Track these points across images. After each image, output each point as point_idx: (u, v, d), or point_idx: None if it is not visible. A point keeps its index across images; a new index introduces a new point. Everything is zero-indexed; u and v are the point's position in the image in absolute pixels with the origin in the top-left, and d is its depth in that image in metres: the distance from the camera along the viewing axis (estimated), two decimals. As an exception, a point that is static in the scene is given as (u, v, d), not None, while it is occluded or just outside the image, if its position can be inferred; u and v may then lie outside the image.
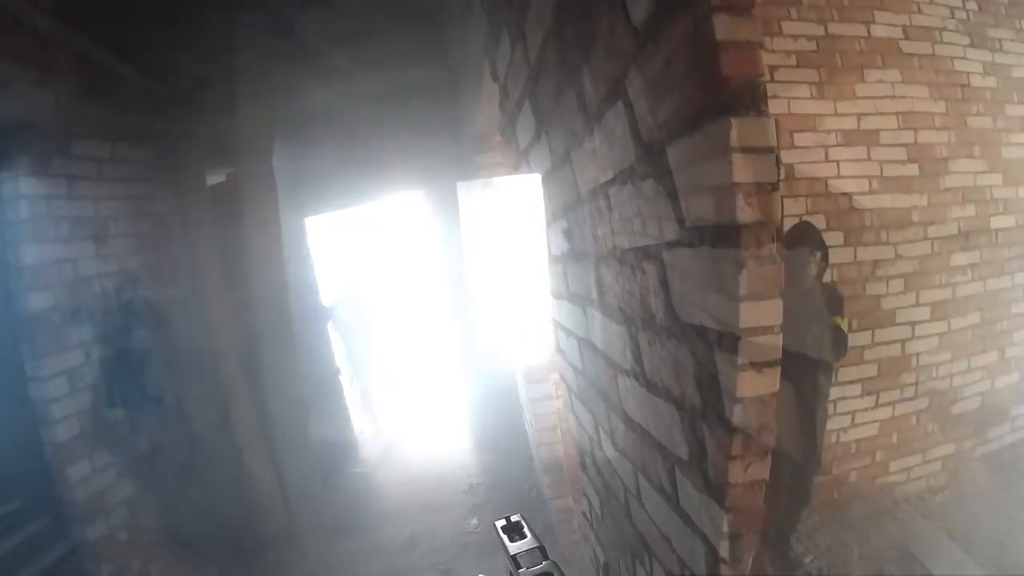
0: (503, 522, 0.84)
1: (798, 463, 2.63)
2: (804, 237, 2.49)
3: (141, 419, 2.73)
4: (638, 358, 2.44)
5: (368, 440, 5.63)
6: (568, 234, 2.25)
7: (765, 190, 1.76)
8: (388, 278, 9.34)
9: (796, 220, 2.67)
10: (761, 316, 1.76)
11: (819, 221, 2.85)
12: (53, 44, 2.48)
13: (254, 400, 3.38)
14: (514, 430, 4.46)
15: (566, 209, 2.27)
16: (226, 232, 3.05)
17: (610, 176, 2.34)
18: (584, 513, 2.53)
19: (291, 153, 4.14)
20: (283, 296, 3.43)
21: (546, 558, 0.77)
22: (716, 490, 1.93)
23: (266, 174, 3.32)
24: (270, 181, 3.32)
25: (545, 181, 2.21)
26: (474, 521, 4.14)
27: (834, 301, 2.57)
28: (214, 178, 3.28)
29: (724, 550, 2.03)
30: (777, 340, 1.81)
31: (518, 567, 0.75)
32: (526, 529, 0.82)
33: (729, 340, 1.78)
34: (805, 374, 2.53)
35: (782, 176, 2.41)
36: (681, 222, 2.15)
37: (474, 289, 3.36)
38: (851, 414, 3.17)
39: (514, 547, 0.79)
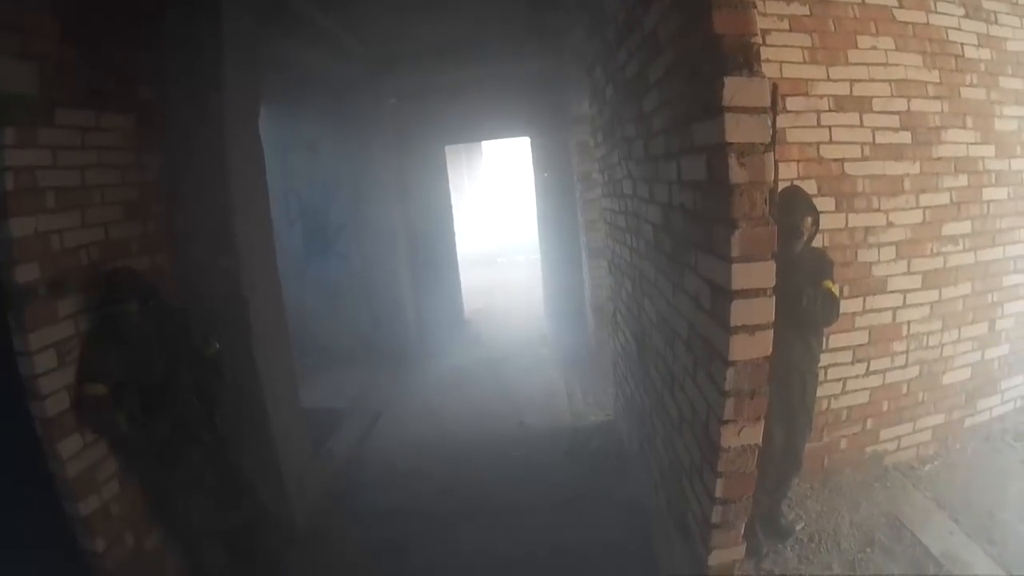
0: None
1: (790, 428, 2.65)
2: (794, 201, 2.48)
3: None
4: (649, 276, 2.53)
5: (478, 309, 8.85)
6: (611, 178, 3.34)
7: (758, 150, 1.77)
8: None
9: (787, 184, 2.67)
10: (753, 278, 1.77)
11: (811, 186, 2.84)
12: (36, 12, 2.43)
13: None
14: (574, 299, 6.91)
15: (610, 164, 3.34)
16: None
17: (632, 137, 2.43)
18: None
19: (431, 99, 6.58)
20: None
21: None
22: (708, 452, 1.93)
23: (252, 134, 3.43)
24: (256, 150, 3.39)
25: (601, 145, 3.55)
26: (544, 349, 6.92)
27: (824, 266, 2.57)
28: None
29: (716, 515, 2.05)
30: (770, 303, 1.83)
31: None
32: None
33: (721, 301, 1.79)
34: (796, 338, 2.53)
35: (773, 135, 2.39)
36: (677, 183, 2.15)
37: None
38: (841, 381, 3.20)
39: None
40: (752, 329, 1.78)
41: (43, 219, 2.45)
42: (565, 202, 6.70)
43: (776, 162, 2.43)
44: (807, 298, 2.45)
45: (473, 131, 7.45)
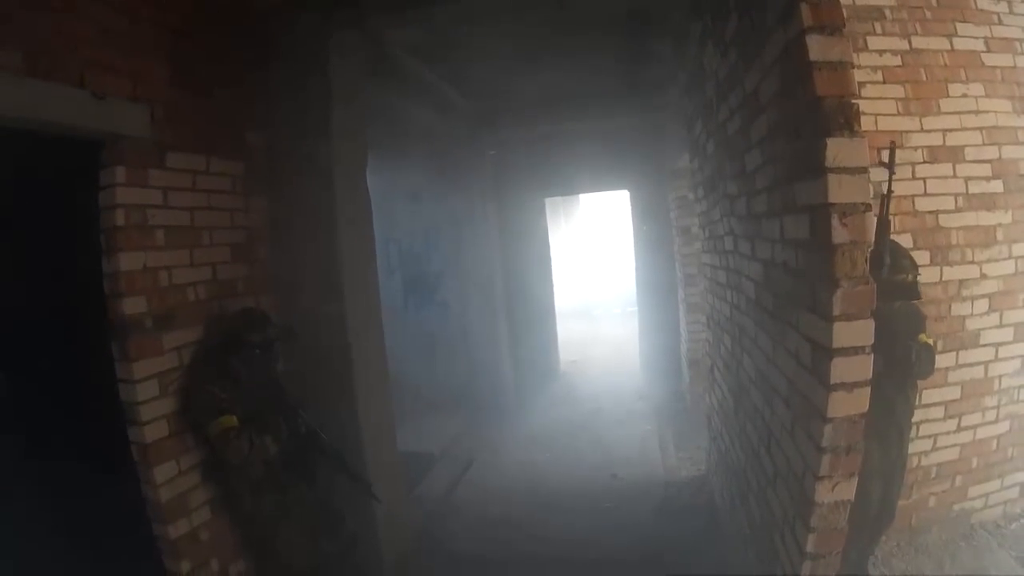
0: None
1: (888, 483, 2.58)
2: (897, 257, 2.45)
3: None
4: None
5: (573, 361, 9.03)
6: (712, 233, 3.33)
7: (859, 210, 1.77)
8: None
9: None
10: (853, 336, 1.76)
11: (906, 240, 2.80)
12: (147, 57, 2.60)
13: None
14: (670, 353, 6.80)
15: (711, 220, 3.34)
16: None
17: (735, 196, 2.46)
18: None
19: (532, 151, 6.81)
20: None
21: None
22: (802, 507, 1.92)
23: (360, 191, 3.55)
24: (364, 199, 3.55)
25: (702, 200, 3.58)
26: (640, 403, 6.86)
27: (918, 319, 2.53)
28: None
29: (805, 570, 2.01)
30: (868, 360, 1.81)
31: None
32: None
33: (821, 359, 1.78)
34: (897, 393, 2.48)
35: (889, 192, 2.38)
36: (779, 241, 2.15)
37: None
38: (932, 437, 3.09)
39: None
40: (851, 386, 1.77)
41: (152, 255, 2.59)
42: (663, 255, 6.70)
43: (890, 218, 2.41)
44: (910, 351, 2.41)
45: (572, 183, 7.50)
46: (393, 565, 3.53)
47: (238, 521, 2.83)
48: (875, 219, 2.37)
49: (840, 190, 1.73)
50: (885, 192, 2.36)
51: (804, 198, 1.87)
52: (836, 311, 1.73)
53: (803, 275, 1.93)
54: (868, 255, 2.26)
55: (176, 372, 2.64)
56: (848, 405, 1.79)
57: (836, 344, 1.74)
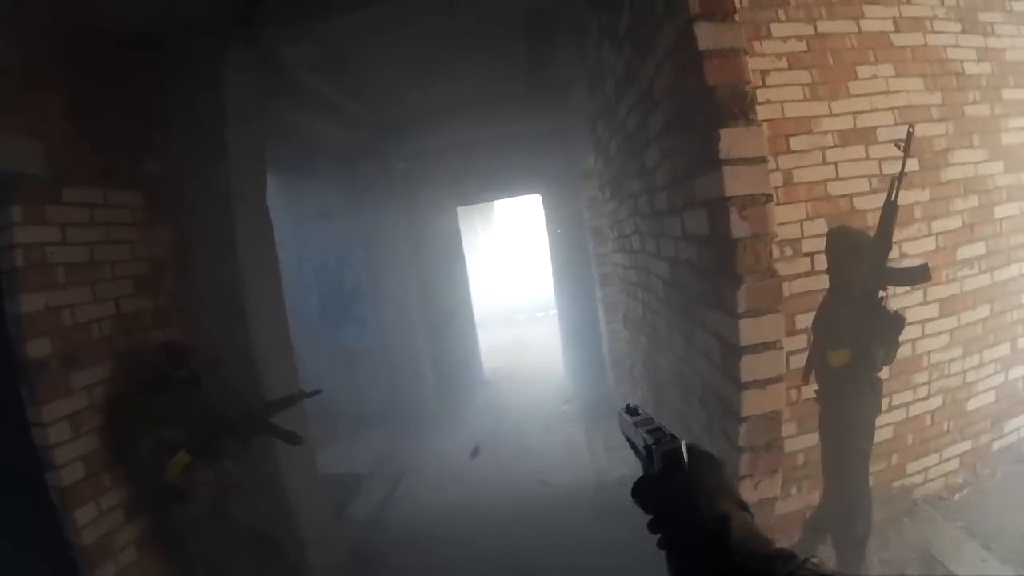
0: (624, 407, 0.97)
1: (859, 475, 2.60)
2: (848, 240, 2.46)
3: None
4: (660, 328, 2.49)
5: (497, 368, 8.89)
6: (620, 233, 3.31)
7: (759, 201, 1.75)
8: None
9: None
10: (762, 332, 1.74)
11: (820, 225, 2.81)
12: (38, 91, 2.48)
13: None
14: (593, 355, 6.67)
15: (618, 219, 3.35)
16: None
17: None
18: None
19: (441, 161, 6.64)
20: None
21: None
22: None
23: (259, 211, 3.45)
24: (265, 221, 3.43)
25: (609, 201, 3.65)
26: (566, 406, 6.86)
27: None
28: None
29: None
30: (780, 356, 1.79)
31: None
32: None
33: (731, 357, 1.76)
34: (866, 385, 2.50)
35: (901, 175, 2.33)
36: (682, 238, 2.13)
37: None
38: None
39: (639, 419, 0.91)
40: (764, 383, 1.76)
41: (54, 295, 2.49)
42: (579, 257, 6.72)
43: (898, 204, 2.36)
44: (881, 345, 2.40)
45: (484, 191, 7.48)
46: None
47: (176, 558, 2.75)
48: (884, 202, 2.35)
49: (737, 182, 1.71)
50: (897, 175, 2.32)
51: (702, 192, 1.85)
52: (741, 307, 1.71)
53: (707, 272, 1.91)
54: (872, 240, 2.24)
55: (87, 412, 2.56)
56: (763, 402, 1.78)
57: (744, 342, 1.72)
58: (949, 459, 3.34)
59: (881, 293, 2.38)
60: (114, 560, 2.60)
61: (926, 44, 3.14)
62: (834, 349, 2.45)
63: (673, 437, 0.81)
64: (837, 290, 2.50)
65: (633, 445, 0.90)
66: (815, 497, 2.88)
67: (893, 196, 2.32)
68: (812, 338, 2.65)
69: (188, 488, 2.50)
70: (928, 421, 3.24)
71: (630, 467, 4.56)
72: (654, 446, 0.80)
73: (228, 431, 2.70)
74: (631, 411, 0.93)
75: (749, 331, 1.72)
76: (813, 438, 2.76)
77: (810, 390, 2.69)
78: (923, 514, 3.19)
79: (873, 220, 2.94)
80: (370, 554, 3.99)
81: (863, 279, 2.37)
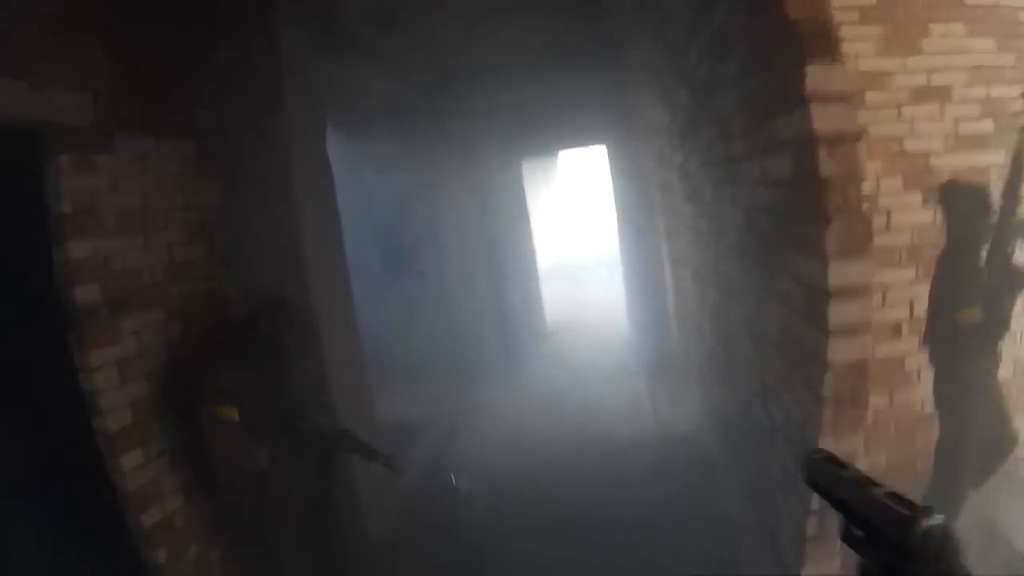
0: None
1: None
2: (969, 194, 2.37)
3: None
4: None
5: (560, 321, 8.87)
6: (691, 185, 3.22)
7: (848, 140, 1.66)
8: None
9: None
10: (852, 275, 1.66)
11: (897, 182, 2.71)
12: (84, 43, 2.45)
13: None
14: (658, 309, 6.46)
15: (688, 171, 3.20)
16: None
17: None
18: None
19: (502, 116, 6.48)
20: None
21: None
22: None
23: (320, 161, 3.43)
24: (325, 173, 3.45)
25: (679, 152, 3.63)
26: (630, 360, 6.77)
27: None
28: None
29: (811, 527, 1.93)
30: (868, 303, 1.70)
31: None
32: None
33: (818, 303, 1.68)
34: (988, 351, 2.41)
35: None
36: (761, 183, 2.04)
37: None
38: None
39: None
40: (852, 330, 1.68)
41: (103, 242, 2.48)
42: (645, 211, 6.56)
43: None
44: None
45: (547, 144, 7.54)
46: (380, 538, 3.47)
47: (217, 507, 2.74)
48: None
49: (826, 119, 1.63)
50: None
51: (785, 133, 1.76)
52: (830, 249, 1.63)
53: (790, 216, 1.83)
54: (1002, 193, 2.21)
55: (135, 358, 2.55)
56: (851, 350, 1.70)
57: (833, 284, 1.64)
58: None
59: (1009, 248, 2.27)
60: (160, 506, 2.60)
61: (997, 4, 3.02)
62: (962, 308, 2.34)
63: (927, 508, 0.59)
64: (960, 246, 2.40)
65: (845, 505, 0.69)
66: (882, 459, 2.80)
67: (1017, 175, 2.25)
68: (930, 297, 2.54)
69: (210, 438, 2.47)
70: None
71: (693, 423, 4.55)
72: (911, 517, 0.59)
73: (339, 446, 2.75)
74: (836, 462, 0.73)
75: (838, 275, 1.64)
76: (884, 399, 2.67)
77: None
78: (990, 485, 3.03)
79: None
80: (425, 501, 4.00)
81: (990, 234, 2.28)
